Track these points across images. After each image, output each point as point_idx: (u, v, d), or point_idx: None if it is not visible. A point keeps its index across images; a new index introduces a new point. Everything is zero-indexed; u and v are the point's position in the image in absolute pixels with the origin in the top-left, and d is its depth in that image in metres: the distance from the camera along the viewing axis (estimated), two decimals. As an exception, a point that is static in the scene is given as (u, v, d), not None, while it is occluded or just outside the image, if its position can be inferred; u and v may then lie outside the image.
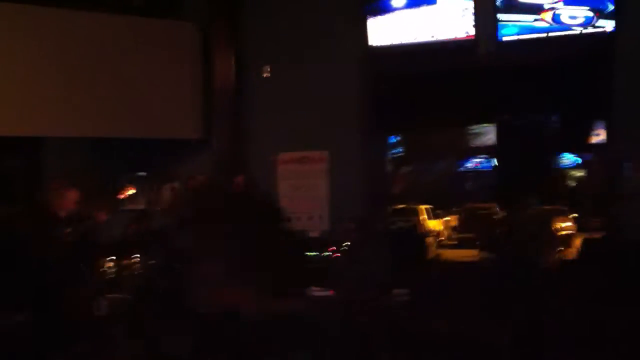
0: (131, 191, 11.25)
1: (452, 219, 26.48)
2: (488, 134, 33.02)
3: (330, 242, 8.40)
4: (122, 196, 11.41)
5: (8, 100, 9.61)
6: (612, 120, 10.04)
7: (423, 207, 23.84)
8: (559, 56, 10.76)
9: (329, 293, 5.03)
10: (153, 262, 4.81)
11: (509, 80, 11.44)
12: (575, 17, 10.27)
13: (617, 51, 9.51)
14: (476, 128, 33.48)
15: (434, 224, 23.03)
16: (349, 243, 6.68)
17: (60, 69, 9.97)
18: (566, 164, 34.54)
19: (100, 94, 10.14)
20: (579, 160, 34.27)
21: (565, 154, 34.10)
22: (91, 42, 10.21)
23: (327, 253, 8.28)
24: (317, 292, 5.13)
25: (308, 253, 8.61)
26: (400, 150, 33.63)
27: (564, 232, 16.83)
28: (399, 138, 33.00)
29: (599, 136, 23.76)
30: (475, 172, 37.84)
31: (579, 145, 29.81)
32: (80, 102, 10.00)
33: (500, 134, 31.03)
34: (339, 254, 7.20)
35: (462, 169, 37.91)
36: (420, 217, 22.23)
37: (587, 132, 26.19)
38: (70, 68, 10.04)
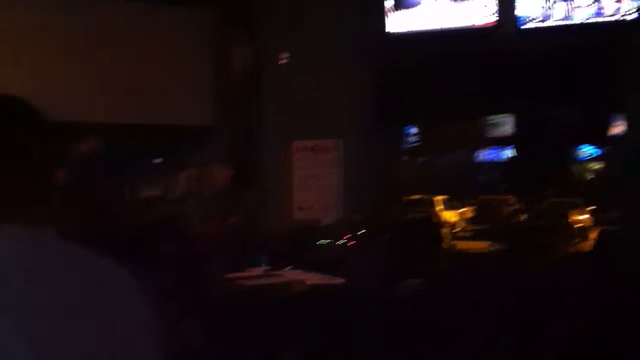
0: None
1: (467, 211, 26.38)
2: (505, 124, 32.80)
3: (344, 231, 8.36)
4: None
5: (23, 87, 9.64)
6: (632, 111, 9.88)
7: (438, 198, 23.77)
8: (579, 44, 10.61)
9: (341, 281, 4.99)
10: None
11: (527, 69, 11.31)
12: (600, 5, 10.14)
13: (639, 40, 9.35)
14: (493, 118, 33.25)
15: (449, 215, 22.96)
16: (361, 232, 6.64)
17: (77, 55, 9.99)
18: (584, 156, 34.25)
19: (116, 80, 10.15)
20: (598, 152, 33.96)
21: (583, 145, 33.80)
22: (107, 29, 10.22)
23: (341, 242, 8.25)
24: (328, 280, 5.10)
25: (319, 242, 8.60)
26: (416, 139, 33.49)
27: (580, 225, 16.72)
28: (414, 127, 32.87)
29: (618, 127, 23.52)
30: (491, 163, 37.61)
31: (598, 137, 29.53)
32: (97, 88, 10.02)
33: (517, 125, 30.81)
34: (353, 243, 7.16)
35: (478, 159, 37.68)
36: (436, 208, 22.16)
37: (607, 124, 25.92)
38: (88, 54, 10.06)
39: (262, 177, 8.66)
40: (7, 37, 9.57)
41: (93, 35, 10.14)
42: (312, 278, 5.06)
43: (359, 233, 6.76)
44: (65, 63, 9.96)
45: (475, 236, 21.08)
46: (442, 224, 19.12)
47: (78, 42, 10.01)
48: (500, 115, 31.86)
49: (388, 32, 10.13)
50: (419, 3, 10.12)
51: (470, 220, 24.86)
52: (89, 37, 10.10)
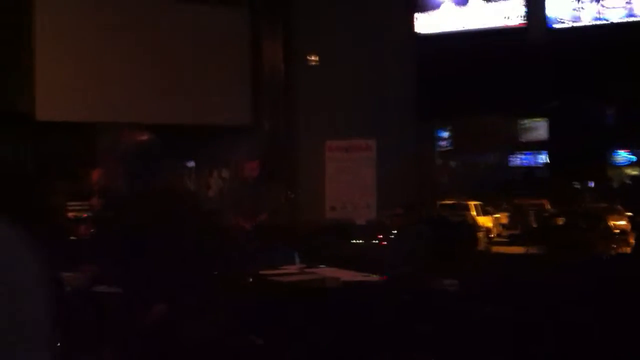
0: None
1: (501, 216, 26.09)
2: (540, 128, 32.32)
3: (378, 230, 8.30)
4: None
5: (66, 87, 9.76)
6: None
7: (473, 203, 23.55)
8: (613, 45, 10.42)
9: (378, 278, 4.93)
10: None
11: (560, 69, 11.15)
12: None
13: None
14: (528, 122, 32.88)
15: (484, 220, 22.72)
16: (395, 231, 6.56)
17: (115, 56, 10.08)
18: (620, 161, 33.69)
19: (151, 81, 10.23)
20: (634, 158, 33.38)
21: (619, 151, 33.26)
22: (144, 29, 10.30)
23: (375, 241, 8.17)
24: (363, 277, 5.04)
25: (354, 241, 8.54)
26: (449, 143, 33.26)
27: (618, 230, 16.43)
28: (448, 130, 32.65)
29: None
30: (526, 167, 37.18)
31: (635, 142, 29.02)
32: (133, 89, 10.10)
33: (552, 129, 30.37)
34: (386, 242, 7.09)
35: (512, 163, 37.29)
36: (471, 213, 21.95)
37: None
38: (125, 55, 10.14)
39: (296, 176, 8.62)
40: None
41: (129, 36, 10.22)
42: (346, 275, 5.01)
43: (392, 232, 6.69)
44: (102, 63, 10.05)
45: (511, 241, 20.85)
46: (478, 227, 19.00)
47: (115, 43, 10.10)
48: (534, 119, 31.50)
49: (422, 33, 10.04)
50: (452, 2, 10.01)
51: (505, 226, 24.58)
52: (125, 38, 10.19)
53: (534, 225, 17.43)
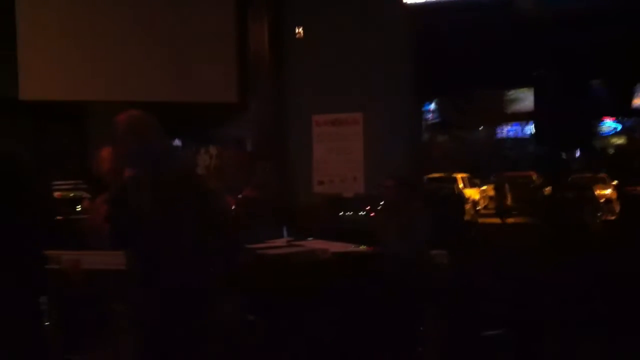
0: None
1: (489, 188, 26.27)
2: (525, 99, 32.40)
3: (366, 202, 8.34)
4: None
5: (52, 66, 9.66)
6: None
7: (460, 175, 23.68)
8: (600, 13, 10.40)
9: (368, 249, 4.96)
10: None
11: (547, 39, 11.14)
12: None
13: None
14: (513, 93, 32.92)
15: (471, 193, 22.88)
16: (383, 203, 6.58)
17: (100, 33, 9.97)
18: (606, 130, 33.89)
19: (137, 57, 10.12)
20: (619, 127, 33.59)
21: (605, 121, 33.42)
22: (129, 6, 10.18)
23: (363, 213, 8.23)
24: (351, 248, 5.07)
25: (342, 213, 8.59)
26: (437, 116, 33.31)
27: (603, 199, 16.61)
28: (436, 103, 32.68)
29: (640, 100, 23.18)
30: (513, 139, 37.31)
31: (621, 110, 29.15)
32: (118, 66, 10.00)
33: (537, 100, 30.41)
34: (374, 213, 7.13)
35: (499, 136, 37.39)
36: (458, 186, 22.08)
37: (629, 96, 25.54)
38: (109, 31, 10.02)
39: (285, 152, 8.58)
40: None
41: (112, 12, 10.10)
42: (335, 247, 5.04)
43: (380, 205, 6.70)
44: (88, 41, 9.94)
45: (499, 213, 21.02)
46: (465, 200, 19.13)
47: (100, 19, 9.99)
48: (520, 90, 31.52)
49: (408, 3, 9.97)
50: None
51: (492, 198, 24.77)
52: (109, 14, 10.08)
53: (522, 197, 17.58)
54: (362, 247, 5.03)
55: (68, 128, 11.13)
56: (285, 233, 7.07)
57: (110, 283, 3.49)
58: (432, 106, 32.94)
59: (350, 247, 5.10)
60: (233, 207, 7.08)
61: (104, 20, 9.95)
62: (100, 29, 9.89)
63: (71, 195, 9.07)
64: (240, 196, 7.14)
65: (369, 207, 8.02)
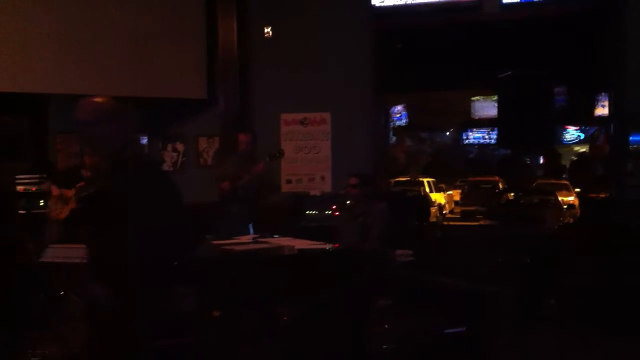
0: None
1: (454, 193, 26.53)
2: (490, 106, 32.80)
3: (332, 201, 8.39)
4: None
5: (11, 56, 9.52)
6: (617, 91, 9.83)
7: (426, 179, 23.87)
8: (564, 21, 10.56)
9: (332, 246, 4.99)
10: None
11: (511, 43, 11.30)
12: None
13: (627, 14, 9.27)
14: (479, 99, 33.31)
15: (437, 197, 23.06)
16: (349, 202, 6.64)
17: (64, 24, 9.85)
18: (569, 139, 34.48)
19: (103, 51, 10.03)
20: (582, 136, 34.19)
21: (568, 129, 33.99)
22: (98, 2, 10.09)
23: (329, 211, 8.28)
24: (317, 245, 5.10)
25: (308, 212, 8.63)
26: (403, 118, 33.52)
27: (566, 205, 16.91)
28: (402, 106, 32.87)
29: (604, 108, 23.60)
30: (477, 144, 37.75)
31: (584, 119, 29.63)
32: (84, 59, 9.90)
33: (502, 104, 30.77)
34: (339, 212, 7.17)
35: (466, 141, 37.80)
36: (424, 189, 22.25)
37: (592, 104, 25.98)
38: (74, 24, 9.92)
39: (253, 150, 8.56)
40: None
41: (80, 5, 10.00)
42: (301, 244, 5.06)
43: (346, 203, 6.76)
44: (50, 32, 9.82)
45: (464, 217, 21.24)
46: (431, 202, 19.28)
47: (65, 11, 9.88)
48: (486, 97, 31.89)
49: (377, 5, 10.06)
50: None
51: (458, 202, 25.03)
52: (76, 7, 9.97)
53: (487, 201, 17.80)
54: (328, 245, 5.06)
55: (28, 121, 10.98)
56: (251, 230, 7.09)
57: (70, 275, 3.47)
58: (399, 108, 33.11)
59: (316, 244, 5.13)
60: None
61: (71, 13, 9.85)
62: (68, 25, 9.78)
63: (33, 190, 8.92)
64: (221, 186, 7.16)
65: (335, 207, 8.07)
